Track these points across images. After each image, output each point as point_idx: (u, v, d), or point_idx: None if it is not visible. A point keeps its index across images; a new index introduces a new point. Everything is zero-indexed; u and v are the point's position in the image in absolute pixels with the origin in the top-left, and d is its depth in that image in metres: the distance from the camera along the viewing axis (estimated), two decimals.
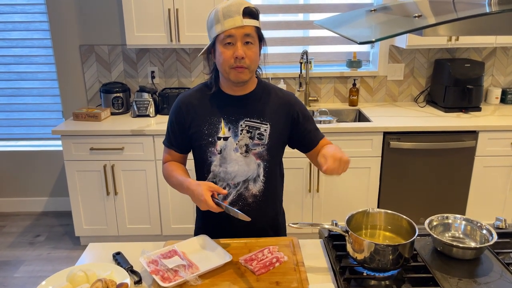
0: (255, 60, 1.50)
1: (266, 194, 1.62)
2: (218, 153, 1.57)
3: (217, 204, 1.38)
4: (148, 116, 3.19)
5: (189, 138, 1.60)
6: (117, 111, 3.27)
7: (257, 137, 1.57)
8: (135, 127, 2.93)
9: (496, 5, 0.87)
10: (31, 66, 3.51)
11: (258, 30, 1.50)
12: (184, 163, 1.69)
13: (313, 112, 3.35)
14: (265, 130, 1.57)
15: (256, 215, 1.62)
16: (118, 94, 3.24)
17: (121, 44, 3.38)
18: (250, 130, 1.56)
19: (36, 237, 3.40)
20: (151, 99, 3.19)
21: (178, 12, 2.96)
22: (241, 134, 1.56)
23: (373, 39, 0.86)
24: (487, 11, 0.84)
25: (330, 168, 1.35)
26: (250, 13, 1.46)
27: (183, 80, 3.47)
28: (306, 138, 1.64)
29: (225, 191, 1.44)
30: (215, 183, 1.59)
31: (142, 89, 3.21)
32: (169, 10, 2.95)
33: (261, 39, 1.53)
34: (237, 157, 1.56)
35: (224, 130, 1.56)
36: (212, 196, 1.39)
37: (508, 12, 0.82)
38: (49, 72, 3.51)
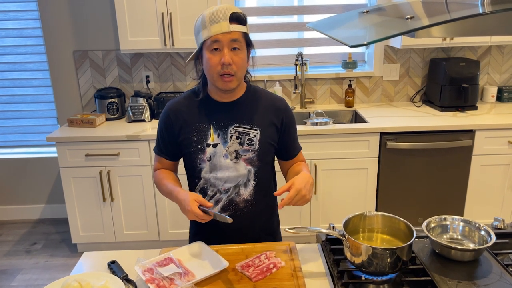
0: (242, 67, 1.48)
1: (257, 199, 1.60)
2: (208, 160, 1.55)
3: (204, 211, 1.36)
4: (143, 121, 3.18)
5: (178, 145, 1.59)
6: (112, 116, 3.25)
7: (246, 143, 1.55)
8: (130, 133, 2.92)
9: (489, 6, 0.86)
10: (25, 73, 3.49)
11: (245, 35, 1.47)
12: (175, 170, 1.68)
13: (309, 113, 3.33)
14: (255, 135, 1.55)
15: (248, 220, 1.60)
16: (113, 100, 3.23)
17: (115, 49, 3.36)
18: (240, 136, 1.55)
19: (33, 245, 3.37)
20: (146, 104, 3.17)
21: (171, 16, 2.95)
22: (230, 140, 1.54)
23: (365, 42, 0.85)
24: (480, 11, 0.83)
25: (287, 202, 1.35)
26: (237, 18, 1.44)
27: (178, 84, 3.46)
28: (289, 146, 1.64)
29: (210, 204, 1.39)
30: (206, 188, 1.59)
31: (137, 94, 3.19)
32: (162, 14, 2.94)
33: (249, 45, 1.50)
34: (227, 164, 1.55)
35: (213, 137, 1.55)
36: (201, 205, 1.37)
37: (501, 12, 0.81)
38: (43, 78, 3.49)
